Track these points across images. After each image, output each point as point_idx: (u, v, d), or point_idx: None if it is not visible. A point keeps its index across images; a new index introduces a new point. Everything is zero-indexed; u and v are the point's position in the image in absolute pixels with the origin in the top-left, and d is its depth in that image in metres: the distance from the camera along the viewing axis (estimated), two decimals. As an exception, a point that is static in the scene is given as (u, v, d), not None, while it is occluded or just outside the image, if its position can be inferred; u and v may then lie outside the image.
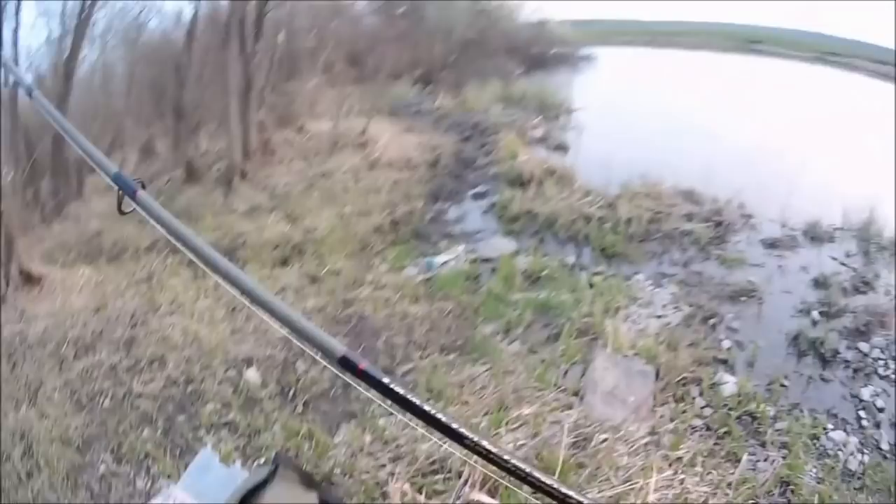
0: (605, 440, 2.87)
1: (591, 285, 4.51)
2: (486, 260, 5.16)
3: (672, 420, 3.15)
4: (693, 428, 3.17)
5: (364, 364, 0.42)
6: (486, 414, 2.97)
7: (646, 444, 2.91)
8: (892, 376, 3.86)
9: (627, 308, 4.26)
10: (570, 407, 3.14)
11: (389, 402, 0.46)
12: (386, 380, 0.44)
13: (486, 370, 3.46)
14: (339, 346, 0.41)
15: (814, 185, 6.97)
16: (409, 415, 0.44)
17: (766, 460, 2.93)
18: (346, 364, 0.43)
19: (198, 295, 4.14)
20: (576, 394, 3.28)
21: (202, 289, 4.20)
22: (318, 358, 0.41)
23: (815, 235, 6.02)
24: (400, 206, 6.07)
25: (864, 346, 4.11)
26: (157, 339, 3.66)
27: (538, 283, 4.66)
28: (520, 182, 6.54)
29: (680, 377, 3.42)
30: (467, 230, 6.03)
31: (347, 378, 0.42)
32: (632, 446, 2.87)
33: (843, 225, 6.08)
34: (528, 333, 3.93)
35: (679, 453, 2.85)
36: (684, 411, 3.21)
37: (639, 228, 5.72)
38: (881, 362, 4.00)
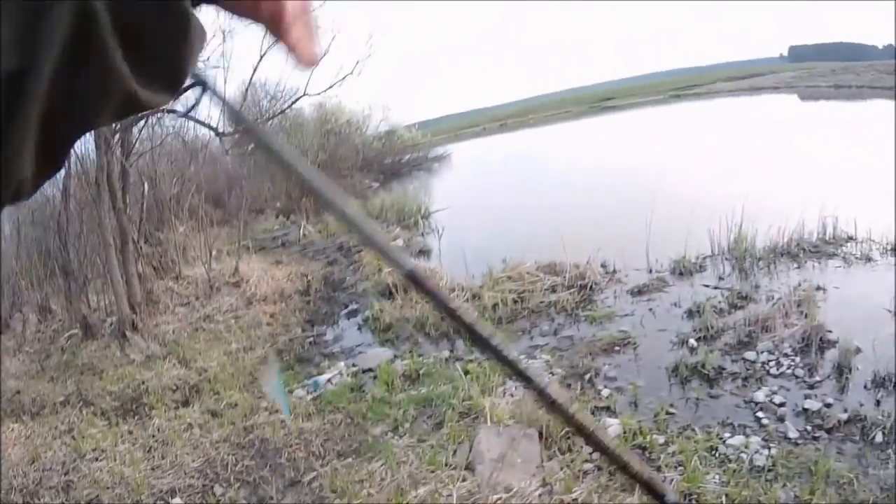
0: (498, 499, 3.74)
1: (467, 372, 5.64)
2: (367, 370, 6.42)
3: (562, 469, 4.04)
4: (584, 472, 4.05)
5: (430, 284, 0.56)
6: (387, 501, 3.90)
7: (539, 494, 3.81)
8: (787, 371, 5.00)
9: (504, 385, 5.42)
10: (463, 479, 4.08)
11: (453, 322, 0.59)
12: (453, 306, 0.57)
13: (382, 465, 4.46)
14: (408, 263, 0.54)
15: (677, 219, 8.92)
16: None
17: (664, 481, 3.83)
18: (412, 278, 0.56)
19: (115, 440, 5.38)
20: (467, 468, 4.25)
21: (118, 434, 5.49)
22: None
23: (683, 270, 7.88)
24: (280, 336, 7.71)
25: (750, 354, 5.37)
26: (89, 482, 4.81)
27: (418, 381, 5.92)
28: (388, 293, 8.37)
29: (564, 432, 4.38)
30: (346, 347, 7.45)
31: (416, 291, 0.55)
32: (526, 500, 3.75)
33: (712, 251, 8.18)
34: (414, 426, 5.08)
35: (573, 495, 3.71)
36: (573, 460, 4.14)
37: (505, 311, 7.37)
38: (772, 363, 5.20)
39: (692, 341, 5.93)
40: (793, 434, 4.26)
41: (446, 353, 6.58)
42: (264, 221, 15.56)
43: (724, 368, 5.33)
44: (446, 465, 4.39)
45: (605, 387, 5.49)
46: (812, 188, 11.65)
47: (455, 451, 4.57)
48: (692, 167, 15.05)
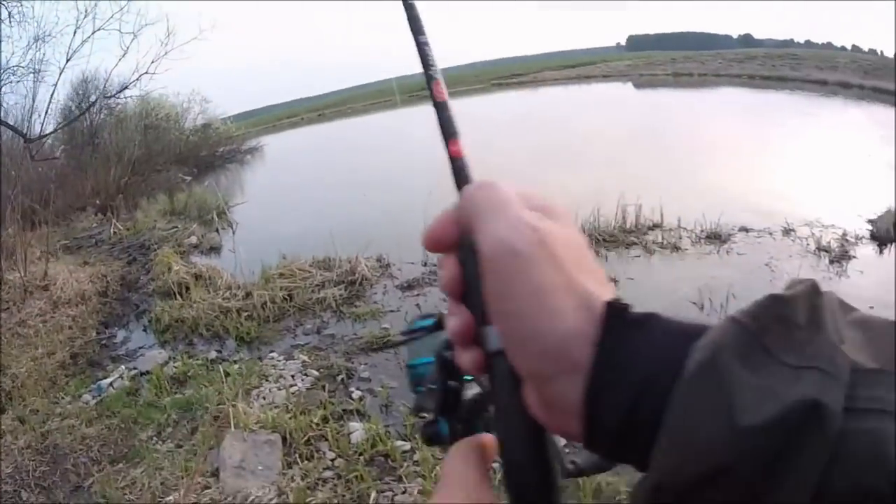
0: (235, 507, 4.39)
1: (227, 374, 6.98)
2: (144, 373, 7.94)
3: (303, 478, 5.08)
4: (324, 480, 5.05)
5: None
6: (143, 508, 4.65)
7: (275, 503, 4.75)
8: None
9: (260, 387, 6.80)
10: (208, 487, 5.17)
11: None
12: None
13: (142, 471, 5.62)
14: None
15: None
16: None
17: (404, 493, 4.85)
18: None
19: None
20: (213, 475, 5.32)
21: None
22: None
23: None
24: (77, 340, 9.65)
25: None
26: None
27: (185, 385, 7.29)
28: (171, 293, 10.23)
29: (305, 437, 5.57)
30: (131, 349, 9.06)
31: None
32: (262, 508, 4.39)
33: None
34: (175, 431, 6.29)
35: (307, 504, 4.33)
36: (313, 468, 5.16)
37: (274, 309, 9.00)
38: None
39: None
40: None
41: (214, 355, 8.07)
42: (85, 219, 18.79)
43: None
44: (196, 471, 5.41)
45: (358, 388, 6.58)
46: (619, 175, 13.96)
47: (205, 458, 5.63)
48: (496, 155, 17.28)
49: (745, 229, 10.80)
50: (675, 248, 10.22)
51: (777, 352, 0.42)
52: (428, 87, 0.70)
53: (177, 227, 15.24)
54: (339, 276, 9.79)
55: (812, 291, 0.46)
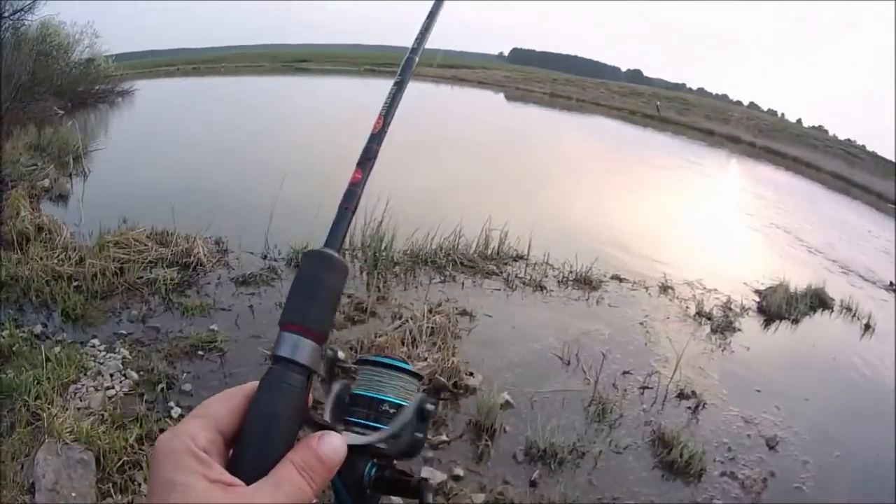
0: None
1: (48, 359, 6.36)
2: None
3: None
4: None
5: None
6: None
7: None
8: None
9: (77, 382, 6.21)
10: None
11: None
12: None
13: None
14: None
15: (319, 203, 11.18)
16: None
17: None
18: None
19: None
20: (29, 490, 4.68)
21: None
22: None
23: (300, 261, 10.08)
24: None
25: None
26: None
27: (9, 361, 6.56)
28: (12, 243, 9.29)
29: (120, 462, 4.99)
30: None
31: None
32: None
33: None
34: None
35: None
36: (128, 502, 4.46)
37: (103, 284, 8.30)
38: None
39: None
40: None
41: (39, 329, 7.41)
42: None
43: (320, 403, 6.15)
44: (14, 482, 4.85)
45: (178, 404, 6.07)
46: (487, 198, 13.82)
47: (23, 466, 5.06)
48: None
49: (618, 278, 10.81)
50: (540, 286, 10.03)
51: None
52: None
53: (36, 164, 14.84)
54: (175, 256, 9.35)
55: None
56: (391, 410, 0.88)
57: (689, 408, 7.23)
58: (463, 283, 9.73)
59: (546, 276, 10.35)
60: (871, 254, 18.42)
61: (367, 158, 0.89)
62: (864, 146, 62.21)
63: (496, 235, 10.95)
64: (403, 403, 0.88)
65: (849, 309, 11.61)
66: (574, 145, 26.10)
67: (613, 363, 7.80)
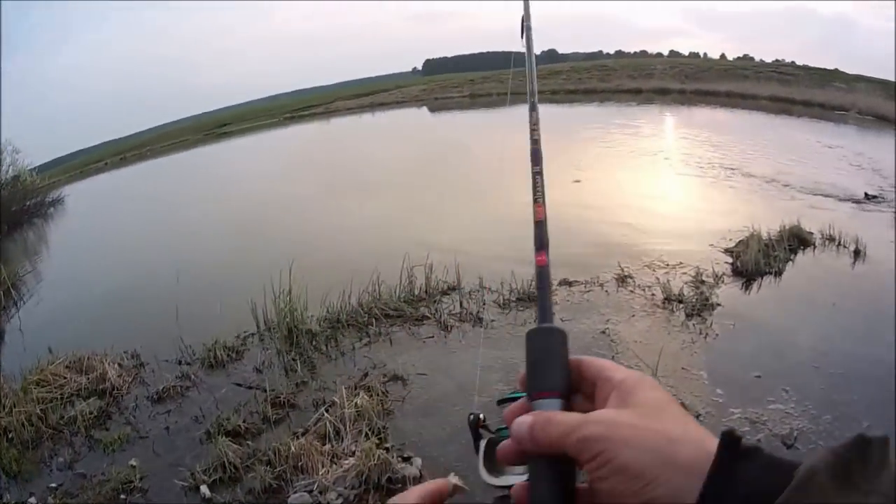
0: None
1: None
2: None
3: None
4: None
5: None
6: None
7: None
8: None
9: None
10: None
11: None
12: None
13: None
14: None
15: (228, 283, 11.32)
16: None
17: None
18: None
19: None
20: None
21: None
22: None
23: (216, 359, 8.67)
24: None
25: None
26: None
27: None
28: None
29: None
30: None
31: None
32: None
33: (257, 325, 9.40)
34: None
35: None
36: None
37: (31, 431, 7.69)
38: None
39: (204, 489, 6.06)
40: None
41: None
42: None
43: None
44: None
45: None
46: (405, 231, 13.13)
47: None
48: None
49: (566, 282, 9.79)
50: (478, 319, 8.96)
51: (856, 480, 0.60)
52: (534, 208, 0.98)
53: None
54: (91, 383, 8.68)
55: (883, 442, 0.63)
56: None
57: (679, 425, 5.62)
58: (391, 339, 8.68)
59: (484, 305, 9.21)
60: (833, 167, 17.94)
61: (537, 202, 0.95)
62: (793, 62, 62.82)
63: (420, 272, 9.91)
64: None
65: (831, 239, 10.85)
66: (494, 141, 25.52)
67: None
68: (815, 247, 10.73)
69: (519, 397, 0.93)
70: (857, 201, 13.90)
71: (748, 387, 6.66)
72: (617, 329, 8.10)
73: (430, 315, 9.18)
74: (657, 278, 9.46)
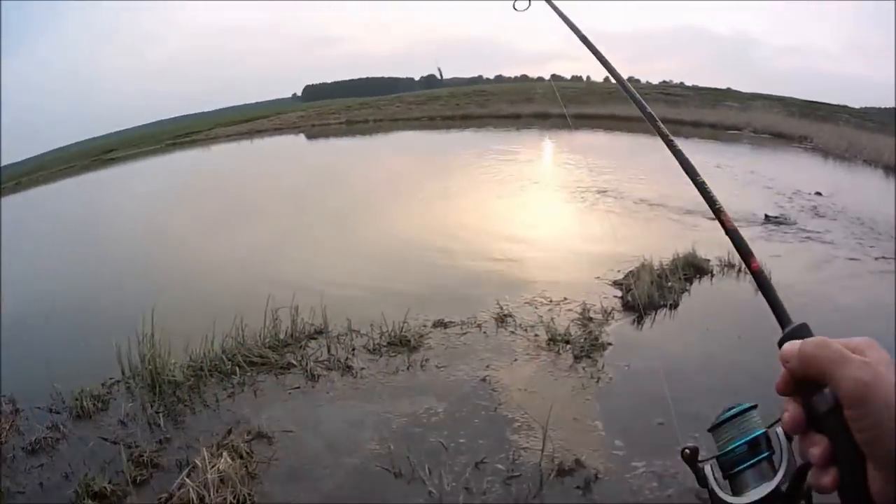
0: None
1: None
2: None
3: None
4: None
5: None
6: None
7: None
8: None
9: None
10: None
11: None
12: None
13: None
14: None
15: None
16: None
17: None
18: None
19: None
20: None
21: None
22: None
23: (83, 408, 7.96)
24: None
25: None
26: None
27: None
28: None
29: None
30: None
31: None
32: None
33: (122, 373, 8.53)
34: None
35: None
36: None
37: None
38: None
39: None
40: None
41: None
42: None
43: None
44: None
45: None
46: (269, 270, 12.50)
47: None
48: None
49: (441, 324, 9.16)
50: (347, 367, 8.21)
51: None
52: (717, 218, 1.08)
53: None
54: None
55: None
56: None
57: (577, 487, 5.66)
58: (256, 390, 8.03)
59: (353, 351, 8.56)
60: (729, 189, 17.85)
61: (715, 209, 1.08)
62: (682, 83, 65.01)
63: (286, 314, 9.21)
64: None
65: (731, 265, 10.70)
66: (365, 171, 25.09)
67: (459, 454, 6.19)
68: (712, 275, 10.41)
69: (744, 409, 1.06)
70: (758, 223, 14.01)
71: (651, 435, 6.15)
72: (498, 376, 7.49)
73: (296, 363, 8.48)
74: (540, 316, 8.91)
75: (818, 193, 18.36)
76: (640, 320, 8.95)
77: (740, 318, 8.82)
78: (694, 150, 27.40)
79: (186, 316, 9.73)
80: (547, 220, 15.63)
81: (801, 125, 36.52)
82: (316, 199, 21.56)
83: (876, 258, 12.03)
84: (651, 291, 9.22)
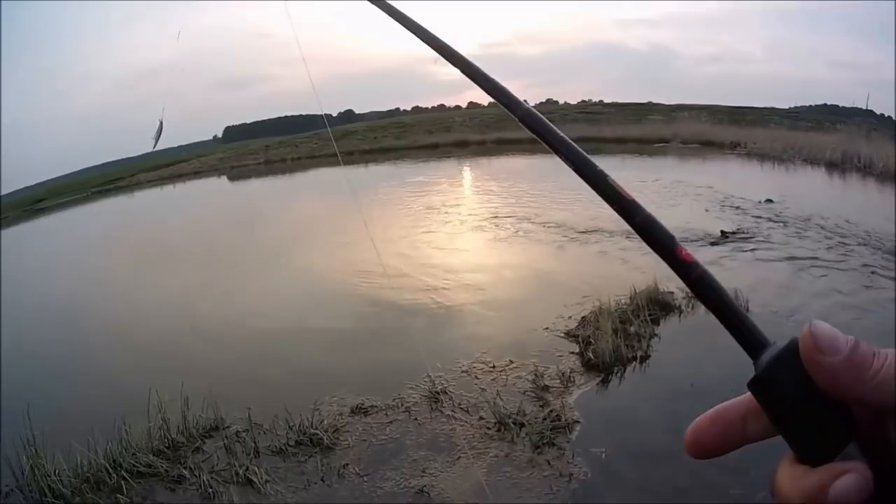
0: None
1: None
2: None
3: None
4: None
5: None
6: None
7: None
8: None
9: None
10: None
11: None
12: None
13: None
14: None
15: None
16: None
17: None
18: None
19: None
20: None
21: None
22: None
23: None
24: None
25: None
26: None
27: None
28: None
29: None
30: None
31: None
32: None
33: (16, 480, 7.17)
34: None
35: None
36: None
37: None
38: None
39: None
40: None
41: None
42: None
43: None
44: None
45: None
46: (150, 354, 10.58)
47: None
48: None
49: (361, 410, 7.42)
50: (247, 479, 6.46)
51: None
52: (622, 215, 0.84)
53: None
54: None
55: None
56: None
57: None
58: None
59: (256, 456, 6.86)
60: (672, 205, 16.95)
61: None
62: (601, 101, 65.37)
63: (175, 408, 7.57)
64: None
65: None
66: (269, 217, 23.75)
67: None
68: (680, 311, 9.06)
69: None
70: (714, 242, 12.89)
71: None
72: (439, 486, 5.83)
73: (188, 475, 6.82)
74: (482, 390, 7.30)
75: (769, 200, 17.34)
76: (606, 382, 7.41)
77: (726, 361, 7.07)
78: (617, 165, 26.71)
79: (71, 406, 8.68)
80: (472, 255, 14.34)
81: (731, 131, 36.32)
82: (224, 252, 20.13)
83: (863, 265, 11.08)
84: (616, 343, 7.71)
